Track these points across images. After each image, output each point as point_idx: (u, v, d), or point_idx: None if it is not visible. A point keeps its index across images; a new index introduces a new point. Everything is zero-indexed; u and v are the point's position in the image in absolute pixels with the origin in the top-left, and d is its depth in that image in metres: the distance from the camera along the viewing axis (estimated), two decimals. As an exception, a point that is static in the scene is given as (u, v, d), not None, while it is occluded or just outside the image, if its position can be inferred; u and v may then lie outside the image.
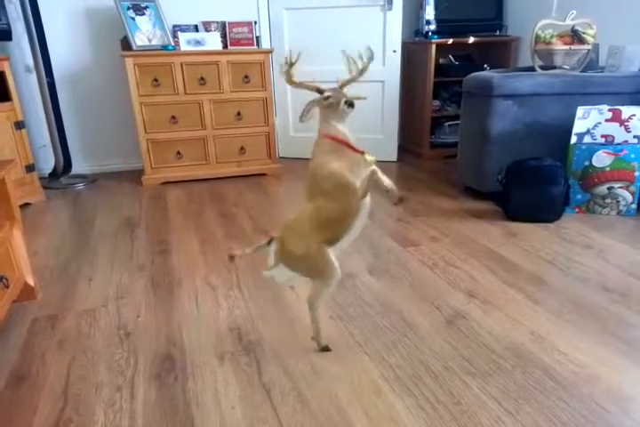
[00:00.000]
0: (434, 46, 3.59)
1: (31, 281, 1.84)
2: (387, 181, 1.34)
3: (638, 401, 1.26)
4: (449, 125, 3.95)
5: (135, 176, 3.49)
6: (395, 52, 3.55)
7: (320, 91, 1.38)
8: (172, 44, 3.28)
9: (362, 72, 1.37)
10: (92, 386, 1.38)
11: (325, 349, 1.50)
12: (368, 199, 1.38)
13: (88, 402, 1.32)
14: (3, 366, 1.48)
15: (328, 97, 1.35)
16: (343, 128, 1.38)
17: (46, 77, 3.18)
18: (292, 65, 1.36)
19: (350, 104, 1.35)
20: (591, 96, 2.61)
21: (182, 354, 1.51)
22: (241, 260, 2.11)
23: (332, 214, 1.33)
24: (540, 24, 2.71)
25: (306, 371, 1.42)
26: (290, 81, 1.38)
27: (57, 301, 1.86)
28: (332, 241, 1.36)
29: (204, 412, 1.27)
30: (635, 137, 2.49)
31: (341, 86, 1.38)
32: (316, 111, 1.40)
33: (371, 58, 1.37)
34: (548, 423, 1.20)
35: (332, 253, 1.37)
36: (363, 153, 1.37)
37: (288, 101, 3.84)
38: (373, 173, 1.34)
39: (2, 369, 1.47)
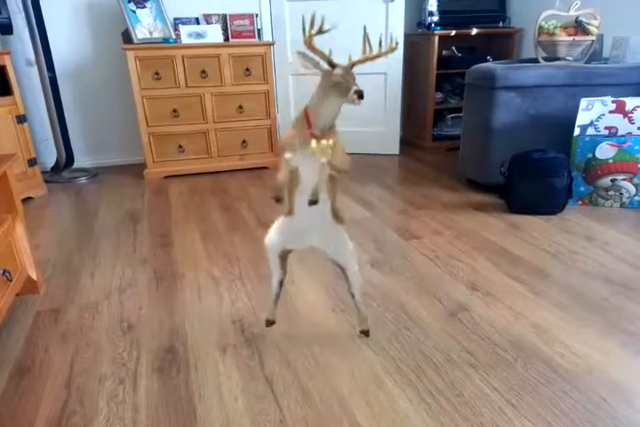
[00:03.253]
0: (436, 38, 3.57)
1: (34, 275, 1.85)
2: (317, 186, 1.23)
3: (639, 392, 1.27)
4: (452, 118, 3.94)
5: (137, 170, 3.49)
6: (397, 43, 3.53)
7: (332, 64, 1.22)
8: (174, 36, 3.26)
9: (375, 58, 1.26)
10: (95, 378, 1.39)
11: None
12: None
13: (91, 394, 1.33)
14: (6, 360, 1.49)
15: (338, 74, 1.20)
16: (331, 110, 1.23)
17: (47, 71, 3.18)
18: (321, 32, 1.24)
19: (360, 95, 1.19)
20: (595, 87, 2.59)
21: (185, 347, 1.52)
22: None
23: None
24: (543, 15, 2.68)
25: (308, 363, 1.42)
26: (310, 45, 1.24)
27: (60, 294, 1.87)
28: None
29: (206, 404, 1.28)
30: (639, 128, 2.47)
31: (352, 66, 1.24)
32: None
33: (390, 50, 1.27)
34: (550, 414, 1.20)
35: None
36: (314, 136, 1.21)
37: (290, 94, 3.82)
38: (321, 167, 1.22)
39: (6, 362, 1.48)
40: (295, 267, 1.98)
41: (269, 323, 1.55)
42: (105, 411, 1.27)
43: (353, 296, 1.49)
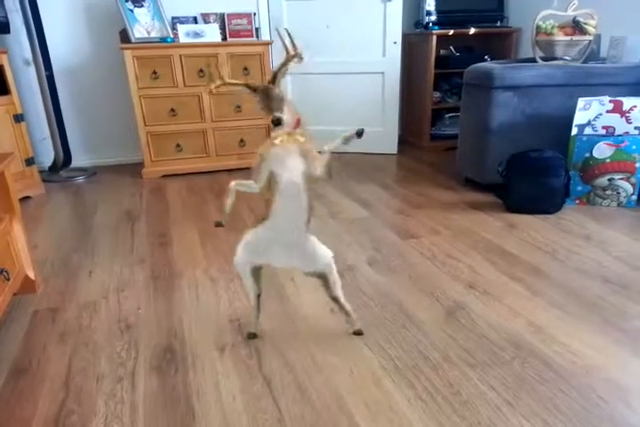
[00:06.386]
0: (434, 37, 3.57)
1: (32, 274, 1.85)
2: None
3: (637, 391, 1.27)
4: (449, 117, 3.94)
5: (135, 169, 3.48)
6: (395, 43, 3.53)
7: (251, 88, 1.34)
8: (171, 36, 3.26)
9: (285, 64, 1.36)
10: (93, 378, 1.39)
11: None
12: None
13: (89, 393, 1.33)
14: (4, 359, 1.49)
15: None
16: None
17: (45, 70, 3.17)
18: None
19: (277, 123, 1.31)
20: (592, 87, 2.59)
21: (183, 346, 1.52)
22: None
23: None
24: (540, 15, 2.69)
25: (306, 362, 1.42)
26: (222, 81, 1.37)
27: (57, 293, 1.87)
28: None
29: (204, 403, 1.28)
30: (636, 128, 2.47)
31: (273, 78, 1.34)
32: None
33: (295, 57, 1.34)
34: (547, 413, 1.20)
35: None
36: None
37: (288, 93, 3.82)
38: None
39: (3, 362, 1.48)
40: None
41: (252, 335, 1.54)
42: (103, 410, 1.27)
43: (337, 300, 1.48)
